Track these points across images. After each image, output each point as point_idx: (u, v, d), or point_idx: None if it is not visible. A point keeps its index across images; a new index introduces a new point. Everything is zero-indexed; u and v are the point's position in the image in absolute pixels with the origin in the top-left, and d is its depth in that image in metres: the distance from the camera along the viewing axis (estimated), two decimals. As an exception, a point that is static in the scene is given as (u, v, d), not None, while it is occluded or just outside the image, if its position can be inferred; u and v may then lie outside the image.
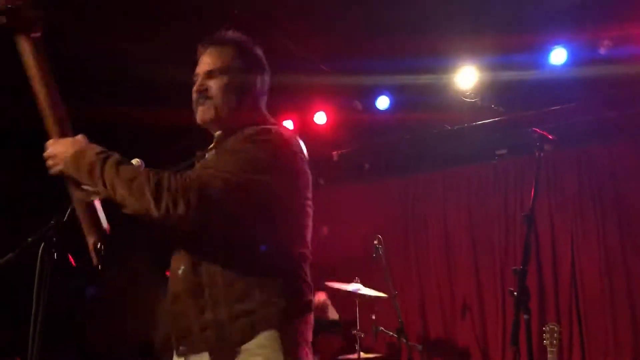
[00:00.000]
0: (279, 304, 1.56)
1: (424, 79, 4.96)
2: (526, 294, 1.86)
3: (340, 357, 4.84)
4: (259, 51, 1.86)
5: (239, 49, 1.80)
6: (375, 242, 4.54)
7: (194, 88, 1.79)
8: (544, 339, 3.98)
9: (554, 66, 4.62)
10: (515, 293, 1.87)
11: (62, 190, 2.25)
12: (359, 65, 4.82)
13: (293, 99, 5.61)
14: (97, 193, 1.67)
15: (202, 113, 1.76)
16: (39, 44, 1.75)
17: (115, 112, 4.56)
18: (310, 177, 1.75)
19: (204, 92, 1.75)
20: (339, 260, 5.91)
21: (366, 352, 4.55)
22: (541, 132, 2.23)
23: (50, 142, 1.75)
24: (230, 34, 1.84)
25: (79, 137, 1.72)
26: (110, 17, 4.21)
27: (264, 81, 1.85)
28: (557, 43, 4.58)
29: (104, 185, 1.58)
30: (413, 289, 5.64)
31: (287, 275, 1.63)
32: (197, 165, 1.77)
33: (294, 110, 5.82)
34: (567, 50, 4.55)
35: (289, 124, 5.85)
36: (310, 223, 1.77)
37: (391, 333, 4.36)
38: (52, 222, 2.23)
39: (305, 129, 5.85)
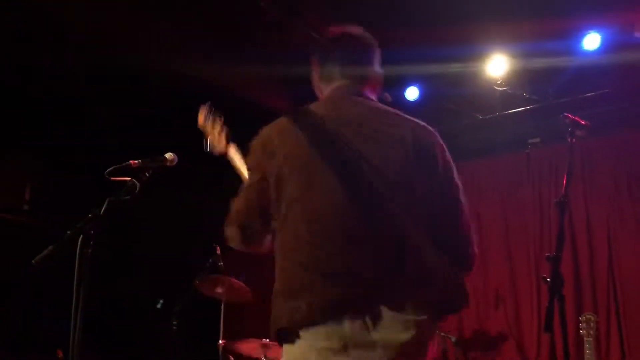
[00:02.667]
0: None
1: (454, 68, 4.89)
2: (560, 280, 1.84)
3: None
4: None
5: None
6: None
7: None
8: (581, 329, 3.93)
9: (588, 52, 4.51)
10: (548, 280, 1.85)
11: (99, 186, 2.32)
12: (387, 55, 4.77)
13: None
14: None
15: None
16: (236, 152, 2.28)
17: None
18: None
19: None
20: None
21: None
22: (573, 117, 2.20)
23: None
24: None
25: None
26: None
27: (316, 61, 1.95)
28: (591, 28, 4.46)
29: None
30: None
31: None
32: None
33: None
34: (601, 36, 4.44)
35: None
36: None
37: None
38: (89, 215, 2.30)
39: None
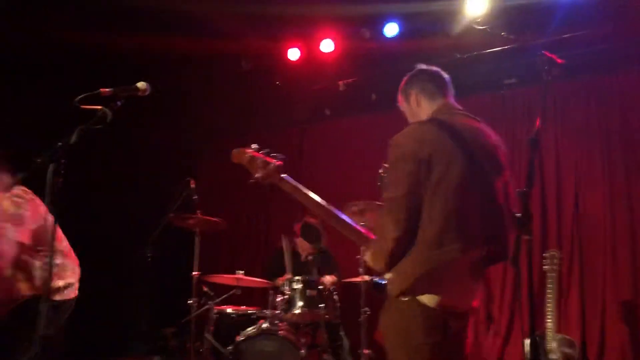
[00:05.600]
0: None
1: (434, 5, 4.83)
2: (528, 216, 1.89)
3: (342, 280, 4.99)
4: (411, 80, 2.47)
5: (402, 94, 2.48)
6: (381, 171, 4.54)
7: None
8: (544, 264, 4.07)
9: (567, -8, 4.48)
10: (518, 215, 1.90)
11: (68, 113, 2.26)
12: (367, -10, 4.71)
13: (298, 27, 5.49)
14: None
15: None
16: (287, 183, 2.49)
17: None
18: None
19: None
20: (344, 190, 5.98)
21: (370, 275, 4.68)
22: (550, 55, 2.19)
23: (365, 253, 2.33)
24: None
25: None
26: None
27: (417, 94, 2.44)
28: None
29: (380, 264, 2.16)
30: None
31: None
32: None
33: (299, 38, 5.71)
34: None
35: (294, 53, 5.76)
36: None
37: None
38: (59, 144, 2.26)
39: (311, 57, 5.76)
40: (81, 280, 3.09)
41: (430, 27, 5.11)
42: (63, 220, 2.13)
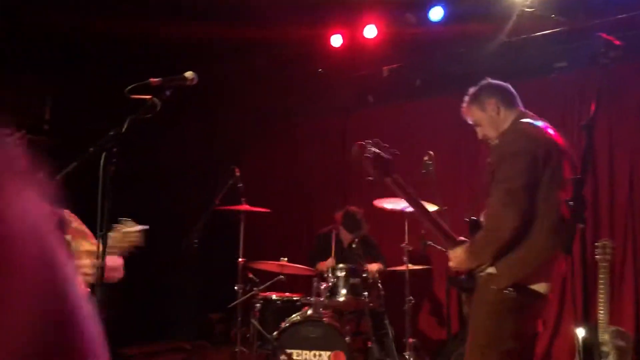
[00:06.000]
0: None
1: (481, -13, 4.72)
2: (582, 204, 1.83)
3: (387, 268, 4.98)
4: (486, 90, 2.71)
5: (475, 103, 2.70)
6: (426, 158, 4.49)
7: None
8: (597, 254, 3.95)
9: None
10: (571, 202, 1.84)
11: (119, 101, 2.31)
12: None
13: (342, 12, 5.45)
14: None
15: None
16: (396, 183, 2.67)
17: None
18: None
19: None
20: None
21: (414, 264, 4.65)
22: (608, 37, 2.10)
23: (450, 252, 2.54)
24: (470, 92, 2.76)
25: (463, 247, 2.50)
26: None
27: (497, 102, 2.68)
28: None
29: (483, 257, 2.40)
30: (463, 206, 5.62)
31: None
32: None
33: (342, 24, 5.67)
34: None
35: (337, 39, 5.72)
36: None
37: (440, 247, 4.40)
38: (111, 133, 2.31)
39: (354, 43, 5.72)
40: (131, 267, 3.16)
41: (476, 11, 4.99)
42: (114, 208, 2.17)
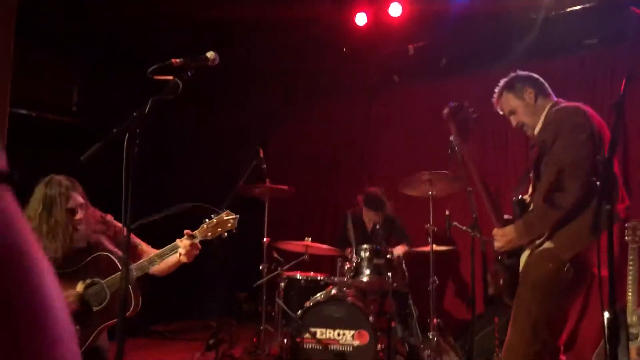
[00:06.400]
0: None
1: (509, -38, 4.59)
2: (611, 183, 1.79)
3: (413, 249, 4.96)
4: (520, 79, 2.80)
5: (512, 92, 2.80)
6: (451, 137, 4.43)
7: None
8: (626, 235, 3.87)
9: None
10: (597, 182, 1.80)
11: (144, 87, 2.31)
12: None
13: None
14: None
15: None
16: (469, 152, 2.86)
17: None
18: None
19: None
20: (412, 157, 5.88)
21: (438, 245, 4.62)
22: None
23: (496, 231, 2.68)
24: (502, 82, 2.87)
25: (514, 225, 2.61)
26: None
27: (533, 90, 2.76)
28: None
29: (539, 231, 2.50)
30: (490, 186, 5.55)
31: None
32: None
33: (367, 1, 5.59)
34: None
35: (361, 17, 5.65)
36: None
37: (465, 228, 4.36)
38: (134, 114, 2.32)
39: (379, 21, 5.64)
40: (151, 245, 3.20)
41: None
42: (139, 188, 2.19)
